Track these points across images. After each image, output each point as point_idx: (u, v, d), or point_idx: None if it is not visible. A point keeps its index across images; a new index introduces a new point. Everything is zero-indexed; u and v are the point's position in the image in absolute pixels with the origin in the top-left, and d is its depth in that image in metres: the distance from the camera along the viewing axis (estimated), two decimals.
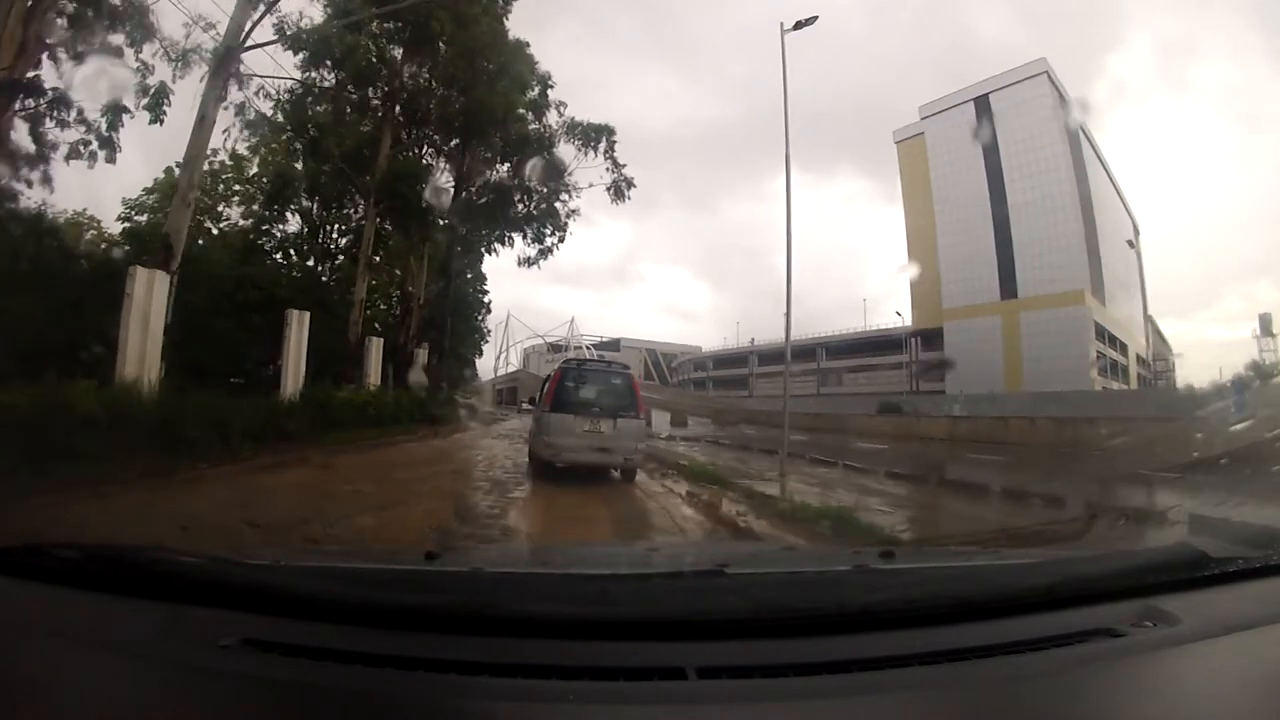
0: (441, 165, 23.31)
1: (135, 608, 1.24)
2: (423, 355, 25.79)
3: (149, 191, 22.46)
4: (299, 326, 15.31)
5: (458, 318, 39.54)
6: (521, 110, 22.48)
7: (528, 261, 25.06)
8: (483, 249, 26.52)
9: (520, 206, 24.50)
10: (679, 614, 1.21)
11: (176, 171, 21.65)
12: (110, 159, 14.91)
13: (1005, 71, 49.00)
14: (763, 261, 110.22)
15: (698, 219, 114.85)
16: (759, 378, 66.94)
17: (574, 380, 10.63)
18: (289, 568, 1.49)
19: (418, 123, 21.59)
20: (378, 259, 22.93)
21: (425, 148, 22.79)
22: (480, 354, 46.58)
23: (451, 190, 22.80)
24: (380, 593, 1.28)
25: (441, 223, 22.49)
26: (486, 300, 44.04)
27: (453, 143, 22.82)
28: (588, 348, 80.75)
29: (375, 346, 20.47)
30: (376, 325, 24.08)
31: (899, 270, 62.09)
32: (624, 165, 23.35)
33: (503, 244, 25.31)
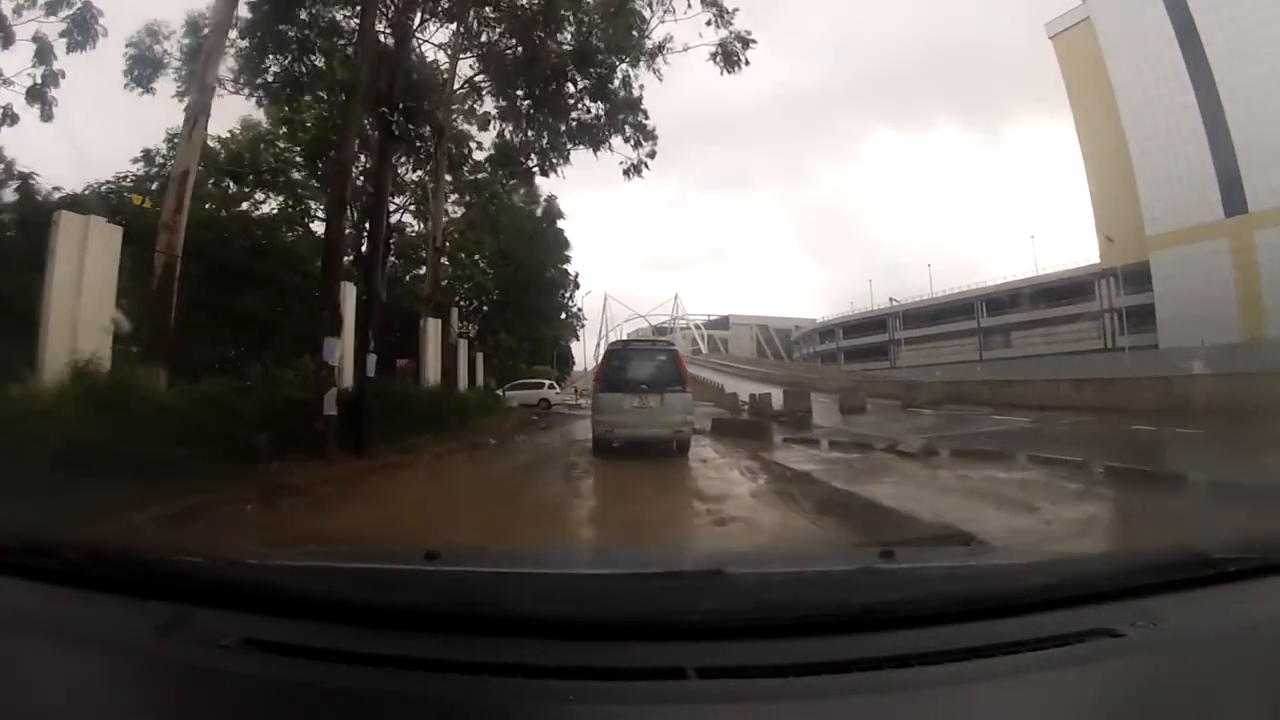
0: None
1: (135, 608, 1.28)
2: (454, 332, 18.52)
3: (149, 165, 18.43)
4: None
5: (536, 292, 33.01)
6: None
7: (589, 136, 17.61)
8: (532, 164, 18.68)
9: (581, 96, 16.44)
10: (679, 614, 1.24)
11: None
12: (45, 116, 12.13)
13: None
14: (866, 230, 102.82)
15: (795, 191, 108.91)
16: (906, 344, 57.13)
17: (620, 361, 11.79)
18: (289, 567, 1.55)
19: None
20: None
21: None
22: (576, 338, 40.41)
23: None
24: (380, 593, 1.33)
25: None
26: (573, 274, 36.88)
27: None
28: (696, 326, 75.69)
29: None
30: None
31: (1075, 197, 50.36)
32: (735, 10, 15.30)
33: (562, 156, 17.54)
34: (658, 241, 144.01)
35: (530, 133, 18.21)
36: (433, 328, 17.84)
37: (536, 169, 18.48)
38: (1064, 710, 1.09)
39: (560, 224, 34.03)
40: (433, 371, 17.40)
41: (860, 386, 31.31)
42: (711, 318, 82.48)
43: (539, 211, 32.24)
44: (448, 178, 18.41)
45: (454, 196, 20.24)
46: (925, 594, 1.35)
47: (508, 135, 18.08)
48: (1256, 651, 1.25)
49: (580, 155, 18.33)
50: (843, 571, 1.57)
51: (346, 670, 1.09)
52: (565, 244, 35.01)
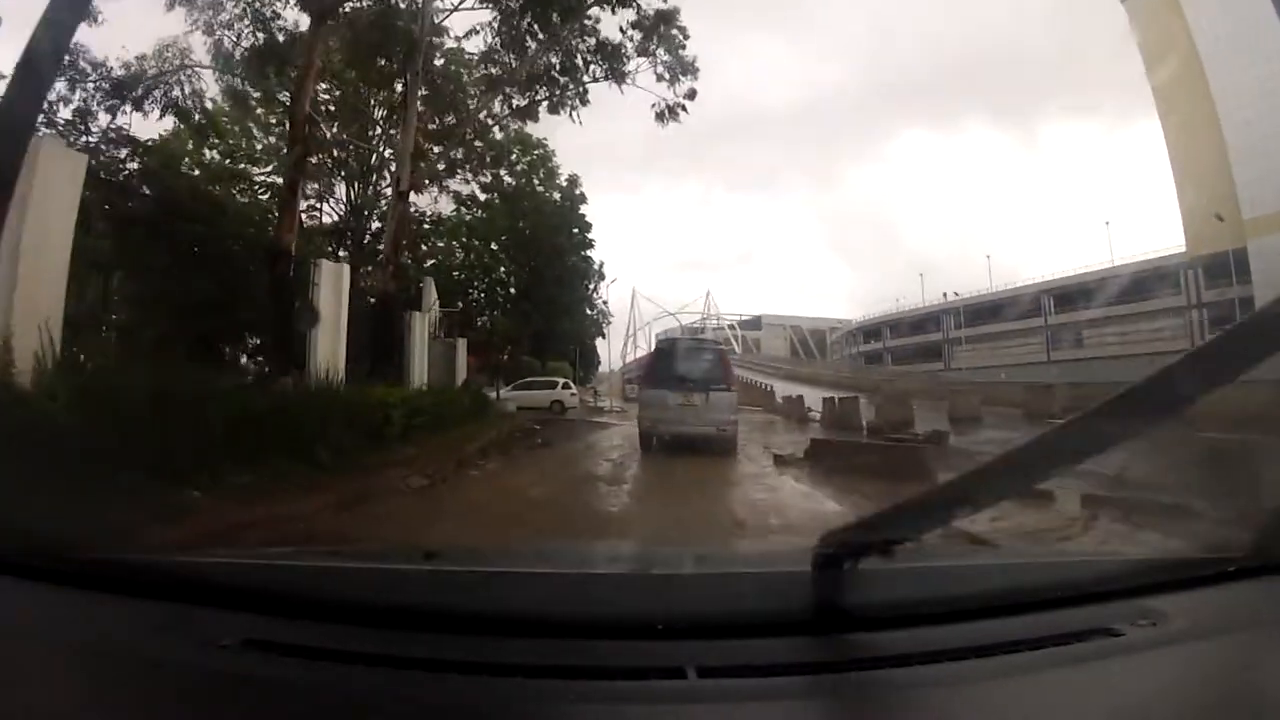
0: None
1: (135, 608, 1.30)
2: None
3: None
4: None
5: (555, 281, 29.63)
6: None
7: (611, 61, 14.77)
8: (539, 96, 15.11)
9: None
10: (679, 613, 1.24)
11: None
12: None
13: None
14: (894, 231, 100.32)
15: (825, 192, 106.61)
16: (965, 343, 52.79)
17: (666, 359, 12.10)
18: (289, 567, 1.56)
19: None
20: None
21: None
22: (602, 335, 36.95)
23: None
24: (380, 593, 1.35)
25: None
26: (597, 265, 33.81)
27: None
28: (730, 326, 72.46)
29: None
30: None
31: (1150, 183, 45.74)
32: None
33: (578, 94, 14.28)
34: (686, 243, 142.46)
35: (535, 45, 14.88)
36: (330, 276, 11.27)
37: (544, 102, 15.03)
38: (1064, 710, 1.09)
39: (583, 209, 30.78)
40: (327, 354, 10.77)
41: (974, 391, 25.44)
42: (743, 318, 79.23)
43: (558, 196, 29.19)
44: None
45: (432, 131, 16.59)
46: (925, 594, 1.34)
47: (505, 59, 14.66)
48: (1256, 651, 1.26)
49: (601, 135, 14.82)
50: (843, 570, 1.50)
51: (346, 670, 1.10)
52: (587, 227, 31.58)
